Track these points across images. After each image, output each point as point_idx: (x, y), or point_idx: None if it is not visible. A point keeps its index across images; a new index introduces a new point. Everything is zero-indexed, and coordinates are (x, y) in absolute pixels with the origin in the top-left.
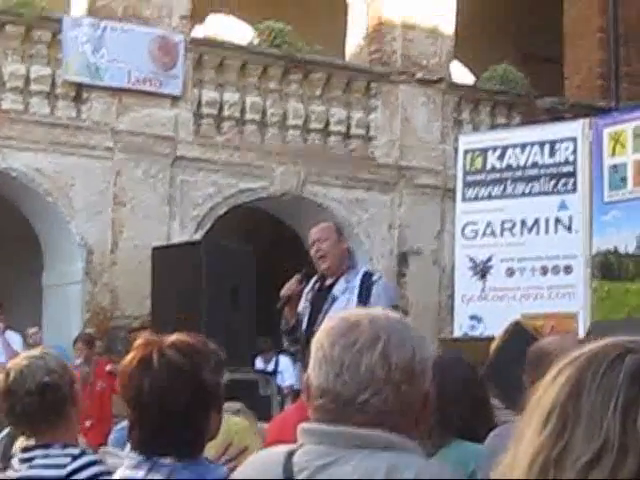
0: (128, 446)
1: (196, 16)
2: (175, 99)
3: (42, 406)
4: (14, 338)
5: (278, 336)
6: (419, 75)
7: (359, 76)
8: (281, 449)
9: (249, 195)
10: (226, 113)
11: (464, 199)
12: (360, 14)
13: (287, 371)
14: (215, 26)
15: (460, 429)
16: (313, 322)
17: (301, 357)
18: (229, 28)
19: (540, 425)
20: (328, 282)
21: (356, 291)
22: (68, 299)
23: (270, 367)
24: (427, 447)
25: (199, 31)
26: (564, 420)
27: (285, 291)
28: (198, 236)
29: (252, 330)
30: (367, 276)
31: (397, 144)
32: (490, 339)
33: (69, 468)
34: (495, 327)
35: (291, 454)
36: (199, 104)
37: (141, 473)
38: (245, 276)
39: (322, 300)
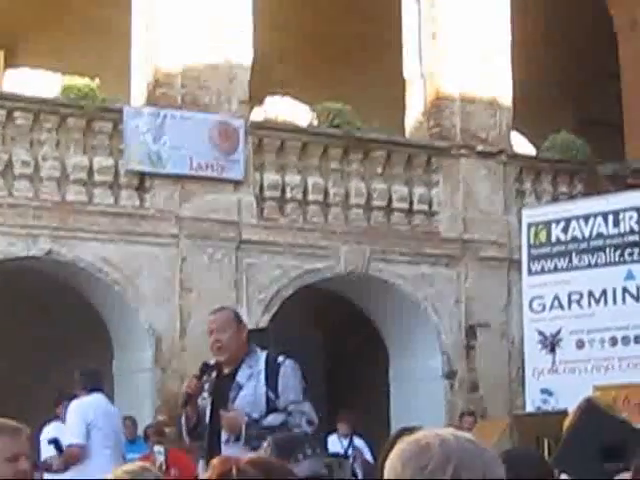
0: None
1: (254, 98)
2: (237, 183)
3: None
4: None
5: (354, 415)
6: (479, 148)
7: (419, 152)
8: None
9: (314, 275)
10: (288, 195)
11: (530, 273)
12: (418, 89)
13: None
14: (274, 108)
15: None
16: (217, 412)
17: (204, 453)
18: (287, 110)
19: None
20: (227, 370)
21: (262, 376)
22: (139, 386)
23: (345, 445)
24: None
25: (258, 113)
26: None
27: (185, 388)
28: (265, 319)
29: (321, 416)
30: (271, 359)
31: (460, 218)
32: (563, 413)
33: None
34: (567, 400)
35: None
36: (261, 187)
37: None
38: (312, 363)
39: (226, 389)
